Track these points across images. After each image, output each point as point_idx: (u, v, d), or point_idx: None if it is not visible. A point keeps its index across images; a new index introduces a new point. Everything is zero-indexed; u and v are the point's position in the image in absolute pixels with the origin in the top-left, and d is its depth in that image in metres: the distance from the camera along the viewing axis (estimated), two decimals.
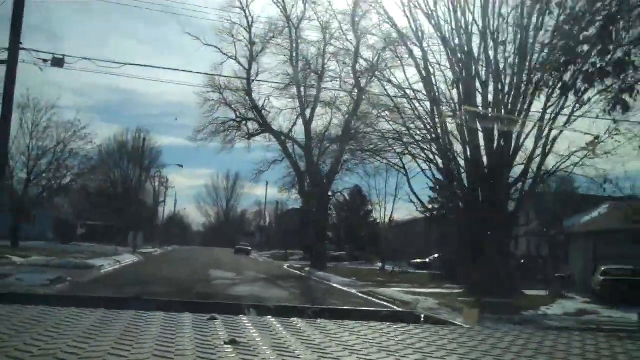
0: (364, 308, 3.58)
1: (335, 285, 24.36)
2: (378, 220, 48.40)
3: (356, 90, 32.18)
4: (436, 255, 39.11)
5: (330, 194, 39.24)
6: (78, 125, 39.15)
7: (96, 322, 1.66)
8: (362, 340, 1.65)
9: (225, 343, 1.44)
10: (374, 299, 18.67)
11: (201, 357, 1.25)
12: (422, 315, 2.69)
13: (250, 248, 65.54)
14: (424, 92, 23.00)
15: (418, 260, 42.03)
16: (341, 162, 35.63)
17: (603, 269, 20.92)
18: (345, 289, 22.53)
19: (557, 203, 31.14)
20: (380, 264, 39.63)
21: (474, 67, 21.31)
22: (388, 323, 2.06)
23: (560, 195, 31.23)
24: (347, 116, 33.35)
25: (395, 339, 1.72)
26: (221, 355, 1.29)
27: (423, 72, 22.65)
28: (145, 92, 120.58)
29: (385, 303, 17.42)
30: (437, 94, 22.71)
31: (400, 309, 4.54)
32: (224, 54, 37.27)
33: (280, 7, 35.71)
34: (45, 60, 15.36)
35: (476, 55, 21.40)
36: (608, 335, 3.21)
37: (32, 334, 1.42)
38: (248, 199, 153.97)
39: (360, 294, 20.18)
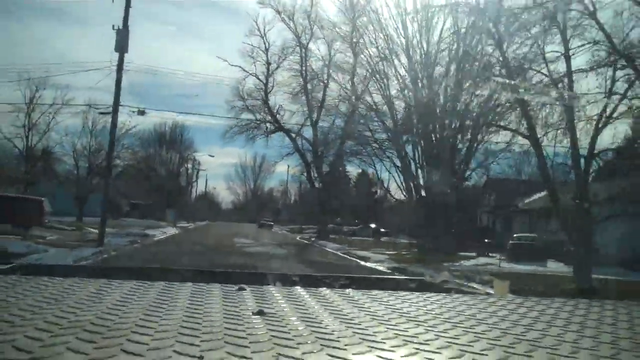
0: (394, 277, 3.13)
1: (327, 249, 32.73)
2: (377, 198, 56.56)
3: (354, 98, 40.13)
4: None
5: (332, 178, 47.54)
6: (129, 124, 47.76)
7: (126, 294, 1.71)
8: (390, 310, 1.69)
9: (253, 314, 1.48)
10: (345, 255, 26.99)
11: (229, 328, 1.27)
12: (451, 286, 3.34)
13: (272, 223, 74.30)
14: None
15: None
16: (342, 154, 43.91)
17: (515, 235, 28.82)
18: (331, 250, 30.89)
19: (511, 188, 39.00)
20: (379, 236, 47.85)
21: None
22: (417, 293, 2.13)
23: (514, 183, 39.11)
24: (346, 118, 41.42)
25: (424, 308, 1.78)
26: (249, 326, 1.31)
27: (390, 91, 30.57)
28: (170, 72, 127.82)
29: (349, 257, 25.75)
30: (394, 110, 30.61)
31: (405, 277, 4.66)
32: (246, 71, 46.81)
33: (292, 31, 44.19)
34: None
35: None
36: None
37: (63, 306, 1.46)
38: (275, 177, 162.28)
39: (339, 253, 28.51)
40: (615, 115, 15.71)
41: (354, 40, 38.49)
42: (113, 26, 21.60)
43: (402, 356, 1.13)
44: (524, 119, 17.17)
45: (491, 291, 2.96)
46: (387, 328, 1.42)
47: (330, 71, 42.36)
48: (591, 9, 15.53)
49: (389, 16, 35.24)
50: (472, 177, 30.36)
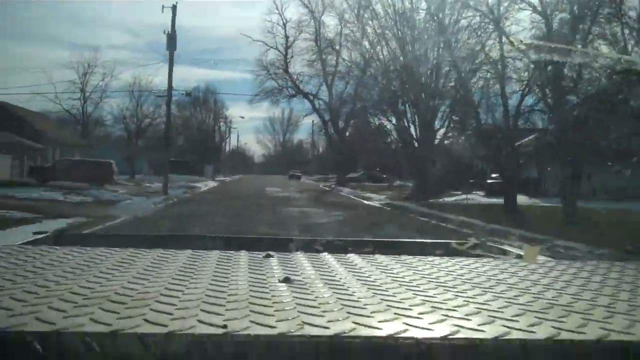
0: (423, 240, 3.09)
1: (342, 193, 39.63)
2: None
3: (362, 62, 46.20)
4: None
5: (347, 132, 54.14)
6: (157, 92, 55.05)
7: (152, 262, 1.68)
8: (419, 276, 1.61)
9: (280, 281, 1.44)
10: (354, 197, 33.85)
11: (255, 296, 1.25)
12: (479, 246, 2.61)
13: (300, 174, 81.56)
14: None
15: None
16: (354, 111, 50.45)
17: (492, 175, 35.15)
18: (345, 194, 37.79)
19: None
20: (396, 183, 54.53)
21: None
22: (447, 258, 2.04)
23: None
24: (356, 80, 47.69)
25: (453, 273, 1.69)
26: (275, 294, 1.28)
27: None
28: (198, 26, 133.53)
29: (357, 198, 32.61)
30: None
31: (426, 241, 3.14)
32: (267, 45, 53.81)
33: (307, 6, 50.58)
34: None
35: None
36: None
37: (89, 276, 1.44)
38: (303, 130, 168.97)
39: (350, 196, 35.41)
40: None
41: (361, 12, 44.31)
42: (164, 31, 28.37)
43: (429, 323, 1.07)
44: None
45: (521, 252, 2.33)
46: (415, 294, 1.35)
47: (342, 40, 48.39)
48: None
49: None
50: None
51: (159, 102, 55.64)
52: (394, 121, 36.67)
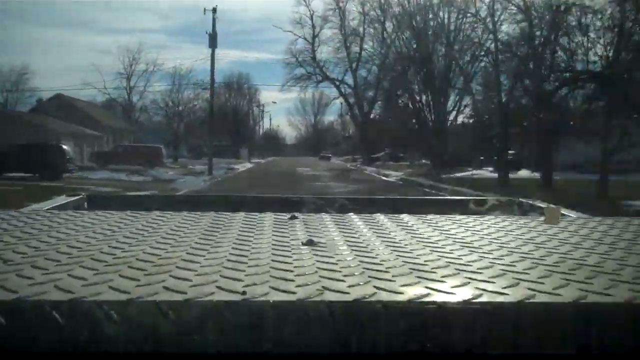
0: (449, 198, 3.50)
1: (365, 171, 43.91)
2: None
3: (385, 48, 50.21)
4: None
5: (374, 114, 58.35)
6: (201, 85, 59.97)
7: (177, 225, 1.68)
8: (445, 236, 1.61)
9: (303, 244, 1.44)
10: (375, 175, 38.15)
11: (276, 260, 1.24)
12: (498, 206, 2.56)
13: (330, 155, 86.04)
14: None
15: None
16: (377, 95, 54.70)
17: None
18: (367, 172, 42.09)
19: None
20: (418, 162, 58.58)
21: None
22: (474, 216, 2.01)
23: None
24: (380, 65, 51.77)
25: (479, 233, 1.68)
26: (297, 257, 1.27)
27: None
28: (229, 9, 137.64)
29: (377, 175, 36.90)
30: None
31: (449, 197, 5.74)
32: (296, 35, 59.16)
33: None
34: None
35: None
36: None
37: (111, 241, 1.45)
38: (333, 111, 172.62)
39: (372, 173, 39.70)
40: None
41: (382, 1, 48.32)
42: (206, 31, 32.98)
43: (452, 286, 1.05)
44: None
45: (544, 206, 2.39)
46: (439, 256, 1.33)
47: (365, 28, 52.51)
48: None
49: None
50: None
51: (197, 90, 60.84)
52: (410, 105, 40.74)
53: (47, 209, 2.09)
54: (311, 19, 58.23)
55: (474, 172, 36.36)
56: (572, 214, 2.17)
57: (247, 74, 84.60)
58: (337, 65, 57.30)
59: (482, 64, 30.55)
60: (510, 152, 39.75)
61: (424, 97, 40.01)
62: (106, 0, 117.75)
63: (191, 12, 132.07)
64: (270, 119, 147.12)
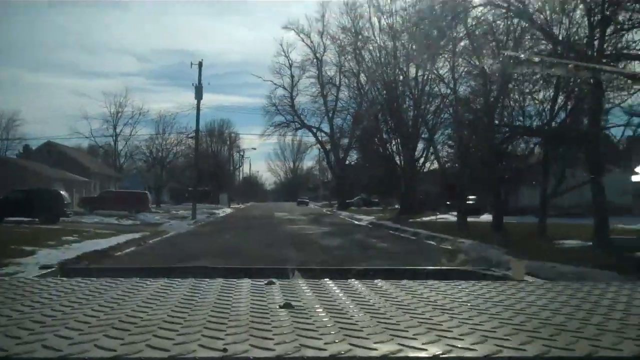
0: (424, 268, 3.22)
1: (340, 216, 46.56)
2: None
3: (359, 98, 53.49)
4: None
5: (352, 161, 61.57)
6: (186, 133, 62.83)
7: (156, 291, 1.71)
8: (417, 299, 1.67)
9: (280, 307, 1.47)
10: (348, 219, 40.81)
11: (255, 321, 1.28)
12: (483, 273, 2.65)
13: (307, 200, 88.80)
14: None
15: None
16: (352, 143, 57.96)
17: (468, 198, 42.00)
18: (342, 216, 44.76)
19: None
20: (389, 207, 61.58)
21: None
22: (447, 281, 2.09)
23: None
24: (354, 114, 55.09)
25: (451, 296, 1.73)
26: (274, 319, 1.32)
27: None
28: (208, 53, 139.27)
29: (350, 219, 39.57)
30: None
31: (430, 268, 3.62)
32: (275, 84, 63.35)
33: (310, 47, 58.70)
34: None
35: None
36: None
37: (93, 305, 1.47)
38: (312, 156, 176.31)
39: (345, 218, 42.36)
40: None
41: (357, 51, 51.88)
42: (193, 83, 36.02)
43: (423, 343, 1.11)
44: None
45: (508, 273, 2.74)
46: (412, 317, 1.39)
47: (340, 77, 56.13)
48: None
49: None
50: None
51: (181, 137, 63.87)
52: (382, 152, 43.86)
53: (25, 278, 2.13)
54: (290, 68, 62.32)
55: (439, 216, 39.17)
56: (540, 280, 2.20)
57: (228, 120, 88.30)
58: (314, 113, 60.95)
59: (445, 115, 33.65)
60: (471, 198, 42.86)
61: (394, 146, 43.17)
62: (83, 43, 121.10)
63: (171, 55, 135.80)
64: (250, 165, 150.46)
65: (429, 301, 1.66)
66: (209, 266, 2.75)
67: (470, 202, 41.43)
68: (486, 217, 37.82)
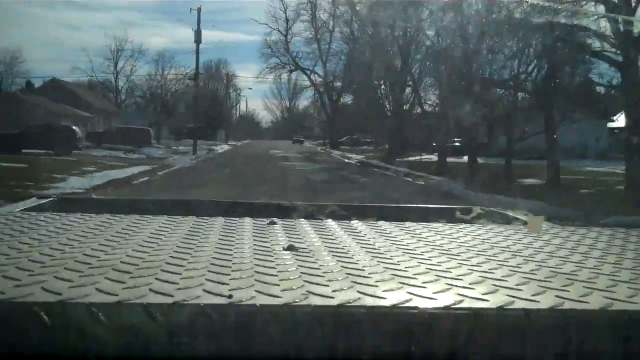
0: (427, 206, 2.35)
1: (331, 154, 49.23)
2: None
3: (352, 43, 55.35)
4: None
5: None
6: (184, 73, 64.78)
7: (157, 230, 1.69)
8: (423, 243, 1.64)
9: (284, 249, 1.46)
10: (339, 157, 43.50)
11: (259, 264, 1.26)
12: (483, 215, 2.57)
13: (302, 139, 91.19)
14: None
15: None
16: (344, 85, 60.12)
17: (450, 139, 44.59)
18: (333, 155, 47.44)
19: None
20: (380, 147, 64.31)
21: None
22: (451, 224, 2.06)
23: None
24: (346, 60, 57.06)
25: (457, 240, 1.71)
26: (279, 262, 1.30)
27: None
28: None
29: (340, 157, 42.26)
30: None
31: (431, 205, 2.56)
32: (270, 27, 65.42)
33: None
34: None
35: None
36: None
37: (93, 244, 1.45)
38: (308, 95, 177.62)
39: (337, 156, 45.05)
40: None
41: None
42: (192, 28, 37.92)
43: (434, 292, 1.09)
44: None
45: (525, 219, 2.20)
46: (419, 262, 1.35)
47: (334, 21, 57.83)
48: None
49: None
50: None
51: (179, 76, 65.81)
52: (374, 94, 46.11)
53: (22, 210, 2.08)
54: (285, 12, 63.64)
55: (425, 156, 41.83)
56: (547, 224, 2.20)
57: (225, 60, 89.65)
58: (308, 55, 62.66)
59: (429, 64, 35.78)
60: (457, 140, 45.46)
61: (383, 90, 45.43)
62: None
63: None
64: (246, 103, 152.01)
65: (435, 245, 1.62)
66: (209, 200, 2.67)
67: (456, 143, 44.07)
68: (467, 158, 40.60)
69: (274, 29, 64.55)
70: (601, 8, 17.76)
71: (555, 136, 20.96)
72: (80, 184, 16.62)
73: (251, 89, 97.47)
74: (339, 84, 61.57)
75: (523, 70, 25.03)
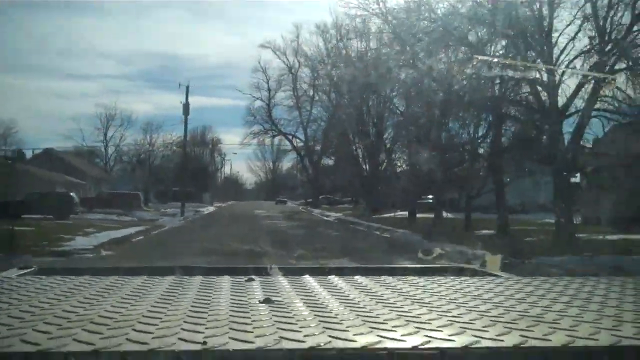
0: (403, 265, 3.57)
1: (312, 213, 51.94)
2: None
3: (331, 109, 58.91)
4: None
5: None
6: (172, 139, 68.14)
7: (136, 289, 1.71)
8: (397, 294, 1.67)
9: (260, 302, 1.48)
10: (319, 215, 46.22)
11: (235, 316, 1.28)
12: (463, 267, 2.64)
13: (285, 200, 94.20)
14: None
15: None
16: (324, 148, 63.54)
17: (422, 197, 47.57)
18: (313, 213, 50.16)
19: None
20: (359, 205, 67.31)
21: None
22: (425, 277, 2.09)
23: None
24: (325, 127, 60.63)
25: (430, 291, 1.74)
26: (254, 313, 1.32)
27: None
28: (188, 55, 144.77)
29: (320, 216, 44.99)
30: None
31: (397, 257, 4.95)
32: (254, 97, 69.30)
33: (285, 64, 64.18)
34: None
35: None
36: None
37: (72, 302, 1.46)
38: (291, 157, 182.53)
39: (317, 214, 47.78)
40: None
41: (328, 67, 57.34)
42: (181, 101, 41.34)
43: (402, 335, 1.12)
44: None
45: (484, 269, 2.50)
46: (391, 310, 1.40)
47: (314, 91, 61.68)
48: None
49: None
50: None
51: (167, 143, 69.14)
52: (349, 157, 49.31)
53: (1, 276, 2.11)
54: (267, 83, 67.94)
55: (399, 213, 44.63)
56: (516, 276, 2.26)
57: (210, 126, 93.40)
58: (289, 122, 66.44)
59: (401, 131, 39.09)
60: (429, 197, 48.53)
61: (360, 152, 48.69)
62: (61, 48, 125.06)
63: (150, 57, 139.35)
64: (230, 166, 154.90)
65: (408, 295, 1.65)
66: (189, 265, 2.67)
67: (430, 200, 46.97)
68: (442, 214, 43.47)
69: (257, 99, 68.83)
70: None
71: (503, 192, 23.97)
72: (88, 242, 19.09)
73: (235, 153, 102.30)
74: (318, 148, 65.01)
75: (478, 136, 28.33)
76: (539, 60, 20.38)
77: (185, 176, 52.15)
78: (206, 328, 1.16)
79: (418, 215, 36.69)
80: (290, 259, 14.80)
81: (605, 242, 18.22)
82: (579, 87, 19.36)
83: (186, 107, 41.64)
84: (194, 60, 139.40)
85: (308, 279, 1.99)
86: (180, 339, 1.07)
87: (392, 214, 44.66)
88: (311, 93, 63.02)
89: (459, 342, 1.08)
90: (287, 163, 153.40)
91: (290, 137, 67.34)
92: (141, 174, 68.48)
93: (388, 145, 42.93)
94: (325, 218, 42.56)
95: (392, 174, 49.35)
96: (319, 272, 2.39)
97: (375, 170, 46.90)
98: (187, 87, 42.05)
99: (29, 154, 58.97)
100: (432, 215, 40.79)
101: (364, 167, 48.70)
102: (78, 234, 21.67)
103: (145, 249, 18.44)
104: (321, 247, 17.83)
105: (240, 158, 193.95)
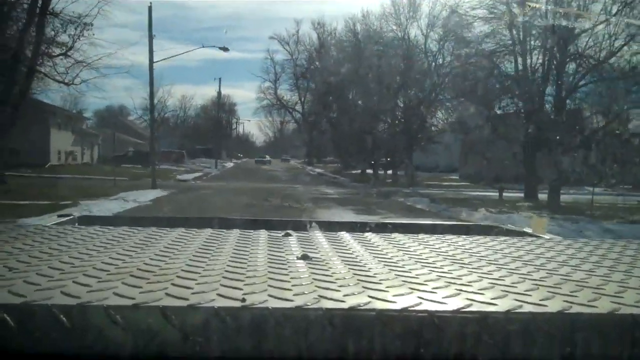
0: (442, 222, 3.80)
1: (306, 169, 72.03)
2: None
3: (324, 88, 78.71)
4: None
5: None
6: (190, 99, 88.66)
7: (174, 241, 1.73)
8: (435, 253, 1.66)
9: (298, 258, 1.48)
10: (308, 170, 66.51)
11: (272, 272, 1.29)
12: (502, 227, 2.63)
13: (289, 158, 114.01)
14: None
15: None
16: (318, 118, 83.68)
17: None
18: (306, 169, 70.40)
19: None
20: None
21: None
22: (463, 236, 2.08)
23: None
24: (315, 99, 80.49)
25: (469, 251, 1.73)
26: (292, 269, 1.33)
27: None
28: (196, 5, 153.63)
29: (310, 171, 65.39)
30: None
31: (452, 222, 5.08)
32: (264, 79, 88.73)
33: (289, 52, 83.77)
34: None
35: None
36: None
37: (111, 253, 1.49)
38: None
39: (307, 169, 68.10)
40: None
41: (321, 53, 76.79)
42: (215, 90, 61.47)
43: (443, 297, 1.10)
44: None
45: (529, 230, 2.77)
46: (430, 270, 1.38)
47: (310, 74, 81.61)
48: None
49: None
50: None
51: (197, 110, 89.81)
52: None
53: (44, 225, 2.13)
54: (274, 67, 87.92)
55: (369, 170, 63.81)
56: (559, 237, 2.20)
57: (228, 95, 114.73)
58: (291, 98, 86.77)
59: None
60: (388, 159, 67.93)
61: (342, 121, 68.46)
62: None
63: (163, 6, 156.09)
64: (243, 126, 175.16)
65: (447, 255, 1.64)
66: (226, 217, 2.78)
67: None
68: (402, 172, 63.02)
69: (266, 80, 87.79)
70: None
71: (411, 161, 43.79)
72: (188, 177, 38.91)
73: (249, 120, 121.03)
74: (311, 119, 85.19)
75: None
76: None
77: (213, 137, 72.02)
78: (245, 284, 1.16)
79: (380, 173, 47.37)
80: (279, 182, 34.79)
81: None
82: None
83: (219, 94, 61.66)
84: (206, 9, 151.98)
85: (346, 235, 1.98)
86: (219, 294, 1.07)
87: (358, 171, 63.99)
88: (308, 75, 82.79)
89: (502, 306, 1.07)
90: (292, 125, 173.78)
91: (291, 110, 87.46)
92: (180, 134, 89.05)
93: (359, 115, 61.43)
94: (310, 172, 62.61)
95: (354, 140, 67.53)
96: (357, 228, 2.53)
97: (343, 135, 65.97)
98: (220, 80, 62.12)
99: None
100: (382, 172, 59.66)
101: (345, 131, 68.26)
102: (177, 174, 41.65)
103: (214, 180, 38.49)
104: (293, 180, 38.00)
105: (252, 122, 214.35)
